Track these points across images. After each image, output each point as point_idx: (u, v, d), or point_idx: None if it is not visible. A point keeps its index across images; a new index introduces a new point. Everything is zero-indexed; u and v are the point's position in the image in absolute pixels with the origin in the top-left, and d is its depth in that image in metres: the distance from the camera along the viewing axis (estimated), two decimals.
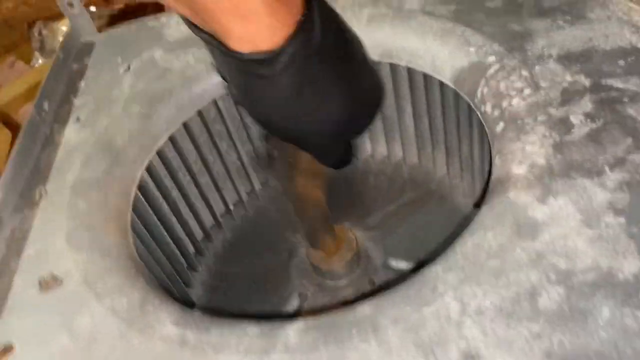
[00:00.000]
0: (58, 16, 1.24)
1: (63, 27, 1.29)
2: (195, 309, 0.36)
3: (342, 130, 0.37)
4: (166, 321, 0.35)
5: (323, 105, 0.34)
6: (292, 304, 0.55)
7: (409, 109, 0.59)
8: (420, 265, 0.53)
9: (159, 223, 0.53)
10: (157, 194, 0.53)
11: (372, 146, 0.65)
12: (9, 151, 1.22)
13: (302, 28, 0.30)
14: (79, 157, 0.47)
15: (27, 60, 1.48)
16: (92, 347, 0.34)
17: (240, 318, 0.35)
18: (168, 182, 0.55)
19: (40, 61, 1.48)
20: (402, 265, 0.54)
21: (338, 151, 0.42)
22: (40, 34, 1.35)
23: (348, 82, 0.35)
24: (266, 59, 0.30)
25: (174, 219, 0.56)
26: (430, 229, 0.57)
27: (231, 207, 0.65)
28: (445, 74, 0.48)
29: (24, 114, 1.32)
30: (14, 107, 1.32)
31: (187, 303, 0.52)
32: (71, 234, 0.42)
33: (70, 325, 0.36)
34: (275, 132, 0.39)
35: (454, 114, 0.54)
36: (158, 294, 0.37)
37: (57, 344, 0.35)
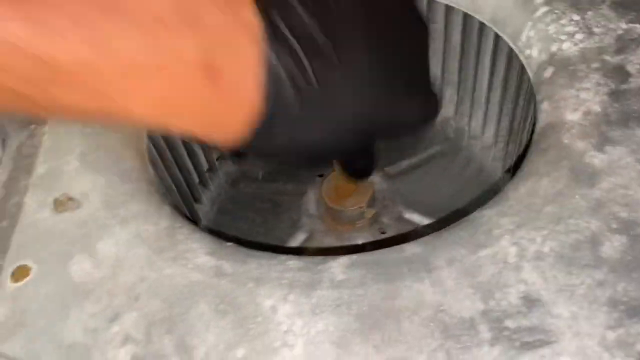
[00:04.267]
0: None
1: None
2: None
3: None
4: (199, 251, 0.33)
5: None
6: (297, 240, 0.53)
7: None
8: (437, 223, 0.52)
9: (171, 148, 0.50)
10: None
11: None
12: None
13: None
14: None
15: None
16: (119, 274, 0.32)
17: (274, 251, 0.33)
18: None
19: None
20: (416, 218, 0.52)
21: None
22: None
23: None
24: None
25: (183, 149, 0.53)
26: (452, 187, 0.55)
27: None
28: (484, 14, 0.46)
29: None
30: None
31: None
32: (86, 154, 0.38)
33: (92, 250, 0.33)
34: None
35: (490, 60, 0.52)
36: (185, 223, 0.35)
37: (78, 269, 0.32)
